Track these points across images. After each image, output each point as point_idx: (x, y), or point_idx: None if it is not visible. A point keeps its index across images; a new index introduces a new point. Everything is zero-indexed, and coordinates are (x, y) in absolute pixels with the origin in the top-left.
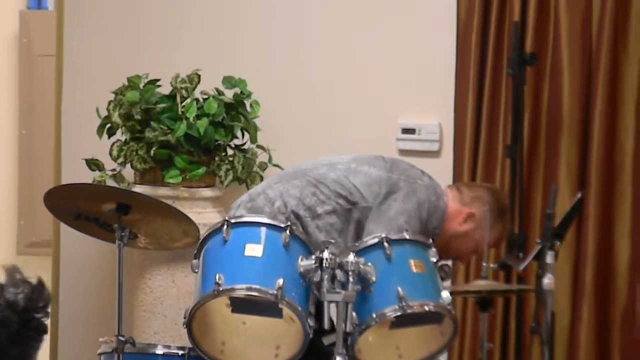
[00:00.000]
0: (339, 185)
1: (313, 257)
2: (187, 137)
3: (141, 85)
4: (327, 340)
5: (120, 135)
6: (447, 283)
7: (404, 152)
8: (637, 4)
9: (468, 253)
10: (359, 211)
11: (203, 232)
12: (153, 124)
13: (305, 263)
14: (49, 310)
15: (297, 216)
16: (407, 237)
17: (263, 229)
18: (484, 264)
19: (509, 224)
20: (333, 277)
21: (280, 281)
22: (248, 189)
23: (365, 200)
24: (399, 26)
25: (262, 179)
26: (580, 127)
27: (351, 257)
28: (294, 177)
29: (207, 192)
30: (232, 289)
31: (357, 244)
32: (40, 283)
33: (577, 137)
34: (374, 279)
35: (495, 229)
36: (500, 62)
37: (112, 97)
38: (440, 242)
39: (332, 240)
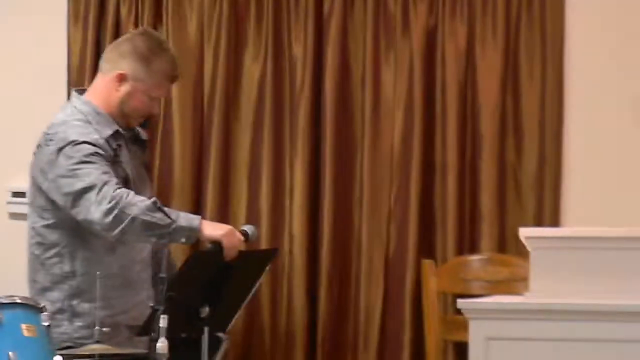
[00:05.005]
0: None
1: None
2: None
3: None
4: None
5: None
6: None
7: (15, 215)
8: (248, 69)
9: (148, 105)
10: None
11: None
12: None
13: None
14: None
15: None
16: (19, 301)
17: None
18: (99, 329)
19: (170, 51)
20: None
21: None
22: None
23: None
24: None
25: None
26: (194, 193)
27: None
28: None
29: None
30: None
31: None
32: None
33: (189, 203)
34: None
35: (158, 67)
36: None
37: None
38: (117, 114)
39: None
